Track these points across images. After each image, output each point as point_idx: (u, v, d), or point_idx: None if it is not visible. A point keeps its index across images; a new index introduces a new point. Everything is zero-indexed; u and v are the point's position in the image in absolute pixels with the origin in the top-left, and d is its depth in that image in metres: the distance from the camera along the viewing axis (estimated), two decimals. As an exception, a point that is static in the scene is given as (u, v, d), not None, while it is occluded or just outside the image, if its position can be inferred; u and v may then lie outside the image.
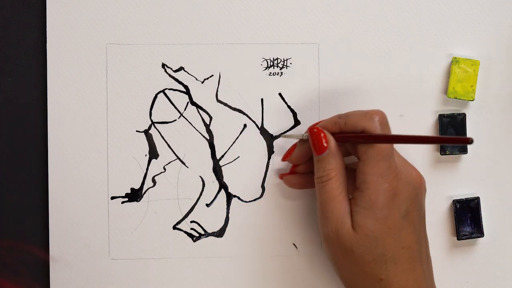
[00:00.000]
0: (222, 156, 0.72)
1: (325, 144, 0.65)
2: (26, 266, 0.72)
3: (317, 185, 0.65)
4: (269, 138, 0.72)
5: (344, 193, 0.64)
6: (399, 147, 0.68)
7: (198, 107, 0.72)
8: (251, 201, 0.72)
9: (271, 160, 0.72)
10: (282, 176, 0.71)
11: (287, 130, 0.72)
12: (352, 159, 0.68)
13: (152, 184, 0.72)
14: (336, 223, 0.63)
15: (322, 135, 0.65)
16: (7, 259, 0.70)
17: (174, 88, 0.72)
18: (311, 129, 0.66)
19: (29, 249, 0.72)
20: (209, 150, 0.72)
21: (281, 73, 0.72)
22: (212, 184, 0.72)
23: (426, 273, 0.65)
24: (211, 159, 0.72)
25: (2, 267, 0.70)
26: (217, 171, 0.72)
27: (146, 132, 0.72)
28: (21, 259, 0.71)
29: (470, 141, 0.58)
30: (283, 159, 0.70)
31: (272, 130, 0.72)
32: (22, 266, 0.71)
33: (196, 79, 0.72)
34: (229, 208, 0.72)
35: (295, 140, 0.70)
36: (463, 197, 0.72)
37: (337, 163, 0.65)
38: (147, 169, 0.72)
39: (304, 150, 0.68)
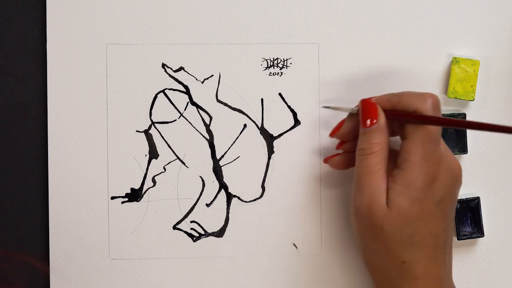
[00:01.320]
0: (222, 156, 0.72)
1: (375, 118, 0.65)
2: (26, 266, 0.71)
3: (358, 157, 0.64)
4: (269, 138, 0.72)
5: (383, 170, 0.64)
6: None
7: (198, 107, 0.72)
8: (251, 201, 0.72)
9: (271, 160, 0.72)
10: (326, 159, 0.70)
11: (287, 130, 0.72)
12: (394, 141, 0.67)
13: (152, 184, 0.72)
14: (370, 197, 0.63)
15: (373, 108, 0.65)
16: (4, 265, 0.70)
17: (174, 88, 0.72)
18: (363, 101, 0.65)
19: (27, 256, 0.72)
20: (209, 150, 0.72)
21: (281, 73, 0.72)
22: (212, 184, 0.72)
23: (447, 264, 0.65)
24: (211, 159, 0.72)
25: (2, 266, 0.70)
26: (217, 171, 0.72)
27: (146, 132, 0.72)
28: (21, 259, 0.71)
29: None
30: (331, 135, 0.69)
31: (272, 130, 0.72)
32: (22, 266, 0.71)
33: (196, 79, 0.72)
34: (229, 208, 0.72)
35: (339, 112, 0.69)
36: (463, 197, 0.72)
37: (383, 138, 0.64)
38: (147, 169, 0.72)
39: (353, 126, 0.67)
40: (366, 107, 0.65)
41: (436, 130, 0.63)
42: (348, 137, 0.68)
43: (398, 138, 0.67)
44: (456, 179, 0.65)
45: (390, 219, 0.62)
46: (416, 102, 0.64)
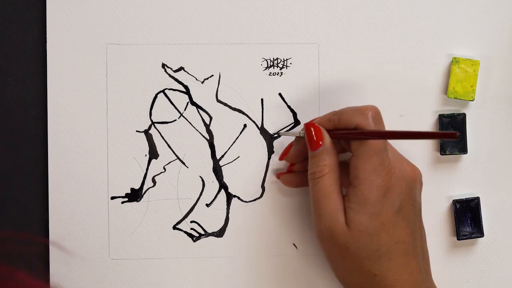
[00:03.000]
0: (222, 156, 0.72)
1: (320, 141, 0.65)
2: (25, 265, 0.71)
3: (311, 182, 0.65)
4: (269, 138, 0.72)
5: (337, 190, 0.64)
6: (399, 147, 0.68)
7: (198, 107, 0.72)
8: (251, 201, 0.72)
9: (271, 160, 0.72)
10: (279, 175, 0.71)
11: (287, 130, 0.72)
12: (347, 155, 0.68)
13: (152, 184, 0.72)
14: (329, 220, 0.63)
15: (317, 131, 0.65)
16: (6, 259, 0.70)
17: (174, 88, 0.72)
18: (306, 125, 0.66)
19: (28, 249, 0.71)
20: (209, 150, 0.72)
21: (281, 73, 0.72)
22: (212, 184, 0.72)
23: (422, 267, 0.65)
24: (211, 159, 0.72)
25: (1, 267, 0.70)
26: (217, 171, 0.72)
27: (146, 132, 0.72)
28: (20, 259, 0.71)
29: (457, 135, 0.58)
30: (280, 159, 0.70)
31: (272, 130, 0.72)
32: (21, 266, 0.71)
33: (196, 79, 0.72)
34: (229, 208, 0.72)
35: (292, 139, 0.70)
36: (463, 197, 0.72)
37: (331, 159, 0.65)
38: (147, 169, 0.72)
39: (301, 148, 0.68)
40: (309, 131, 0.66)
41: (380, 141, 0.63)
42: (298, 159, 0.69)
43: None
44: (412, 183, 0.65)
45: (352, 238, 0.63)
46: (356, 118, 0.64)
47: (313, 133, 0.65)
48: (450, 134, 0.60)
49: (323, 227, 0.64)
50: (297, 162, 0.70)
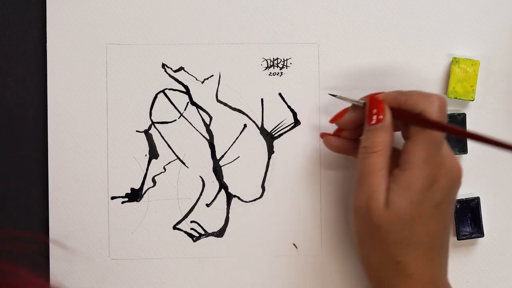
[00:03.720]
0: (222, 156, 0.72)
1: (381, 116, 0.64)
2: (25, 265, 0.71)
3: (362, 155, 0.64)
4: (269, 138, 0.72)
5: (385, 170, 0.63)
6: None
7: (198, 107, 0.72)
8: (251, 201, 0.72)
9: (271, 160, 0.72)
10: (323, 135, 0.69)
11: (287, 131, 0.72)
12: (397, 138, 0.67)
13: (152, 184, 0.72)
14: (369, 196, 0.63)
15: (381, 106, 0.64)
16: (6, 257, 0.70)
17: (174, 88, 0.72)
18: (372, 98, 0.65)
19: (29, 247, 0.71)
20: (209, 150, 0.72)
21: (281, 73, 0.72)
22: (212, 184, 0.72)
23: (443, 264, 0.65)
24: (211, 159, 0.72)
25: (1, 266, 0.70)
26: (217, 171, 0.72)
27: (146, 132, 0.72)
28: (20, 259, 0.71)
29: None
30: (332, 121, 0.69)
31: (273, 130, 0.72)
32: (21, 265, 0.71)
33: (196, 79, 0.72)
34: (229, 208, 0.72)
35: (348, 104, 0.68)
36: (463, 197, 0.72)
37: (387, 137, 0.64)
38: (147, 169, 0.72)
39: (355, 117, 0.67)
40: (374, 104, 0.65)
41: (440, 134, 0.63)
42: (349, 127, 0.68)
43: (400, 136, 0.67)
44: (456, 182, 0.65)
45: (387, 219, 0.62)
46: (422, 103, 0.63)
47: (376, 106, 0.64)
48: None
49: (361, 202, 0.63)
50: (347, 129, 0.68)
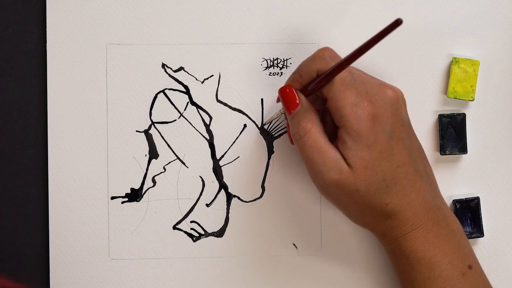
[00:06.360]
0: (222, 156, 0.72)
1: (295, 100, 0.65)
2: (26, 265, 0.72)
3: (297, 142, 0.65)
4: (269, 138, 0.72)
5: (328, 142, 0.64)
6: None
7: (198, 107, 0.72)
8: (251, 201, 0.72)
9: (271, 160, 0.72)
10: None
11: (287, 131, 0.72)
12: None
13: (152, 184, 0.72)
14: (333, 171, 0.63)
15: (290, 92, 0.65)
16: (6, 257, 0.70)
17: (174, 88, 0.72)
18: (280, 91, 0.66)
19: (29, 250, 0.72)
20: (209, 150, 0.72)
21: (281, 73, 0.72)
22: (212, 184, 0.72)
23: (428, 185, 0.65)
24: (211, 159, 0.72)
25: (1, 265, 0.70)
26: (217, 171, 0.72)
27: (146, 132, 0.72)
28: (21, 259, 0.71)
29: (399, 21, 0.55)
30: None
31: (272, 130, 0.72)
32: (21, 265, 0.71)
33: (196, 79, 0.72)
34: (229, 208, 0.72)
35: (278, 119, 0.70)
36: (463, 197, 0.72)
37: (311, 115, 0.64)
38: (147, 169, 0.72)
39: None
40: (283, 94, 0.65)
41: (345, 75, 0.63)
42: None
43: None
44: (396, 104, 0.64)
45: (360, 178, 0.63)
46: (314, 65, 0.64)
47: (286, 96, 0.65)
48: (393, 24, 0.56)
49: (327, 181, 0.63)
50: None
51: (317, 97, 0.67)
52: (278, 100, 0.69)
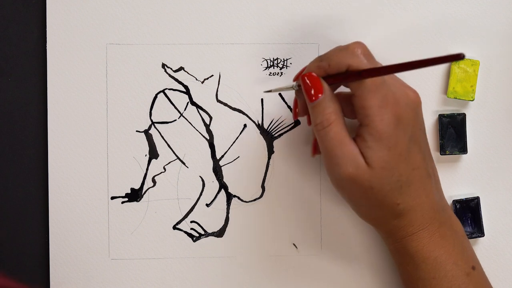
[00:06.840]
0: (222, 156, 0.72)
1: (319, 90, 0.64)
2: (26, 265, 0.72)
3: (319, 132, 0.64)
4: (269, 138, 0.72)
5: (348, 135, 0.63)
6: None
7: (198, 107, 0.72)
8: (251, 201, 0.72)
9: (271, 160, 0.72)
10: (314, 154, 0.70)
11: (287, 131, 0.72)
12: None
13: (152, 184, 0.72)
14: (350, 165, 0.63)
15: (313, 80, 0.64)
16: (6, 257, 0.70)
17: (174, 88, 0.72)
18: (301, 77, 0.64)
19: (29, 249, 0.72)
20: (209, 150, 0.72)
21: (281, 73, 0.72)
22: (212, 184, 0.72)
23: (435, 187, 0.66)
24: (211, 159, 0.72)
25: (1, 265, 0.70)
26: (217, 171, 0.72)
27: (146, 132, 0.72)
28: (21, 259, 0.71)
29: (461, 56, 0.55)
30: (295, 118, 0.69)
31: (272, 130, 0.72)
32: (21, 265, 0.71)
33: (196, 79, 0.72)
34: (229, 208, 0.72)
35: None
36: (463, 197, 0.72)
37: (335, 106, 0.64)
38: (147, 169, 0.72)
39: (304, 99, 0.66)
40: (307, 81, 0.64)
41: (378, 77, 0.62)
42: (307, 111, 0.67)
43: None
44: (417, 109, 0.65)
45: (376, 176, 0.63)
46: (346, 59, 0.63)
47: (310, 83, 0.64)
48: (454, 56, 0.56)
49: (343, 174, 0.63)
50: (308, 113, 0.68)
51: (335, 88, 0.66)
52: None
